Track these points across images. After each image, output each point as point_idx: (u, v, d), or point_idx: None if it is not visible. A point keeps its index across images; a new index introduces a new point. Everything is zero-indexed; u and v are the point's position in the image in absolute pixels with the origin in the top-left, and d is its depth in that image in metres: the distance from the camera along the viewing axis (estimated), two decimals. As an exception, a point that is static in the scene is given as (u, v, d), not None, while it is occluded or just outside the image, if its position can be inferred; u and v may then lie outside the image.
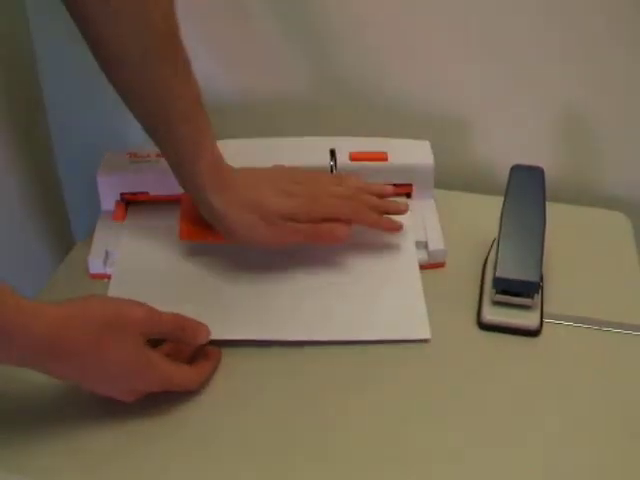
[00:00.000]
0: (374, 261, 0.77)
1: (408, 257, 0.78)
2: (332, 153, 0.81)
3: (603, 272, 0.82)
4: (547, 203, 0.88)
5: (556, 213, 0.89)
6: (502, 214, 0.76)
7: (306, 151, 0.82)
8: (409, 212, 0.79)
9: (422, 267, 0.78)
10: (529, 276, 0.72)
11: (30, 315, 0.54)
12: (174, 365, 0.63)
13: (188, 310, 0.65)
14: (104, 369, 0.59)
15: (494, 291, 0.73)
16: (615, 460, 0.62)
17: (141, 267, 0.76)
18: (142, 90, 0.67)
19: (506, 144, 0.93)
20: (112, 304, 0.60)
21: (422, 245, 0.79)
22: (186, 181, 0.72)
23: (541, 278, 0.73)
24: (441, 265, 0.80)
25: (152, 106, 0.68)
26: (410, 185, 0.83)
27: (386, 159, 0.82)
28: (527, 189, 0.77)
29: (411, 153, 0.83)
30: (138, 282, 0.74)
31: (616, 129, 0.92)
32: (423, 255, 0.79)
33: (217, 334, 0.66)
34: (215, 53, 0.94)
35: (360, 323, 0.72)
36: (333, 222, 0.73)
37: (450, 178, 0.87)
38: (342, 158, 0.81)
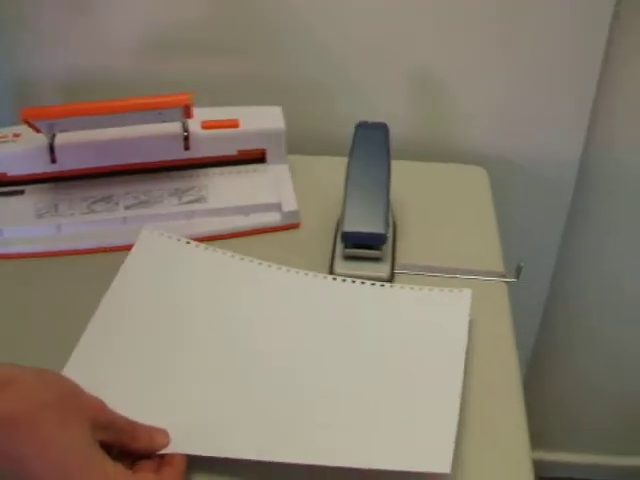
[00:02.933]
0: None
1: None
2: (183, 123, 0.81)
3: (459, 223, 0.85)
4: (405, 161, 0.91)
5: (414, 170, 0.92)
6: (347, 171, 0.77)
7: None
8: (264, 176, 0.80)
9: (276, 228, 0.80)
10: (375, 228, 0.74)
11: None
12: (129, 472, 0.53)
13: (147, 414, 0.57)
14: (36, 454, 0.49)
15: (343, 245, 0.75)
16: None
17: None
18: None
19: (358, 105, 0.95)
20: (68, 383, 0.53)
21: (276, 207, 0.80)
22: None
23: (388, 230, 0.75)
24: (296, 226, 0.81)
25: None
26: (263, 150, 0.84)
27: (237, 126, 0.83)
28: (372, 145, 0.79)
29: (262, 119, 0.84)
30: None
31: (467, 85, 0.94)
32: (276, 217, 0.80)
33: (180, 447, 0.57)
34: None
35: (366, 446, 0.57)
36: None
37: (305, 143, 0.88)
38: (194, 127, 0.82)
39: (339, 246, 0.76)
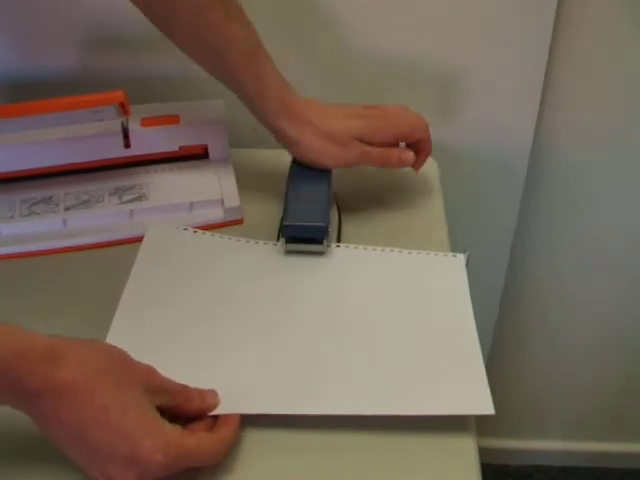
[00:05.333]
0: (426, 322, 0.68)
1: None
2: (122, 121, 0.80)
3: (407, 216, 0.84)
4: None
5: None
6: (290, 165, 0.76)
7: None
8: (206, 172, 0.81)
9: (219, 225, 0.79)
10: (316, 220, 0.73)
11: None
12: (187, 432, 0.55)
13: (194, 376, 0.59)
14: (96, 421, 0.51)
15: (284, 240, 0.74)
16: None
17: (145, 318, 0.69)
18: (196, 38, 0.72)
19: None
20: (118, 350, 0.55)
21: (218, 203, 0.79)
22: (258, 116, 0.75)
23: (329, 222, 0.74)
24: (239, 222, 0.80)
25: (208, 54, 0.73)
26: (205, 145, 0.83)
27: (178, 121, 0.81)
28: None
29: (204, 113, 0.83)
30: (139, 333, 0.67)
31: (412, 69, 0.93)
32: (219, 213, 0.79)
33: (230, 407, 0.59)
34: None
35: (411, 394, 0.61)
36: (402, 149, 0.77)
37: (249, 136, 0.87)
38: (133, 125, 0.80)
39: (282, 241, 0.75)
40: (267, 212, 0.81)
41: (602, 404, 1.34)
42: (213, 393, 0.59)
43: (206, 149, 0.83)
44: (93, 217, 0.79)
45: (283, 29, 0.88)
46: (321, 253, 0.74)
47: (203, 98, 0.85)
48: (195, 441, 0.54)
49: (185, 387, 0.58)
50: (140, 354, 0.56)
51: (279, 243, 0.75)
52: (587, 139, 1.00)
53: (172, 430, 0.53)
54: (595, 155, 1.01)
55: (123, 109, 0.75)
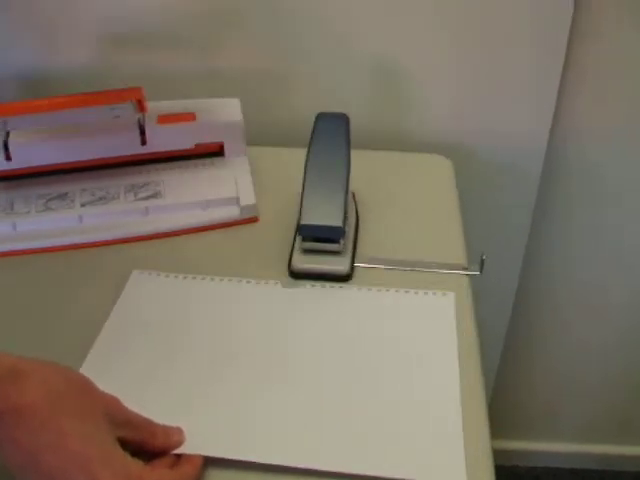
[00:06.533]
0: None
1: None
2: (139, 118, 0.80)
3: (422, 215, 0.84)
4: (367, 151, 0.90)
5: (377, 160, 0.91)
6: (306, 163, 0.76)
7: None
8: (222, 170, 0.79)
9: (235, 223, 0.79)
10: (332, 221, 0.73)
11: None
12: (148, 467, 0.52)
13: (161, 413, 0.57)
14: (52, 447, 0.47)
15: (301, 239, 0.73)
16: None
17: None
18: None
19: (318, 96, 0.93)
20: (82, 376, 0.52)
21: (233, 201, 0.79)
22: None
23: (346, 222, 0.73)
24: (254, 220, 0.80)
25: None
26: (221, 143, 0.83)
27: (194, 119, 0.81)
28: (331, 136, 0.78)
29: (220, 111, 0.83)
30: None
31: (427, 72, 0.93)
32: (235, 211, 0.79)
33: (194, 447, 0.56)
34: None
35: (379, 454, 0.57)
36: None
37: (264, 134, 0.87)
38: (150, 122, 0.80)
39: (298, 240, 0.75)
40: (282, 210, 0.81)
41: (612, 407, 1.34)
42: (179, 431, 0.57)
43: (222, 147, 0.83)
44: (108, 214, 0.79)
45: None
46: (337, 253, 0.74)
47: (219, 96, 0.85)
48: (157, 477, 0.52)
49: (150, 422, 0.55)
50: (109, 386, 0.54)
51: (277, 282, 0.73)
52: (602, 139, 0.99)
53: (134, 463, 0.51)
54: (610, 155, 1.01)
55: (140, 106, 0.75)
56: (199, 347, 0.66)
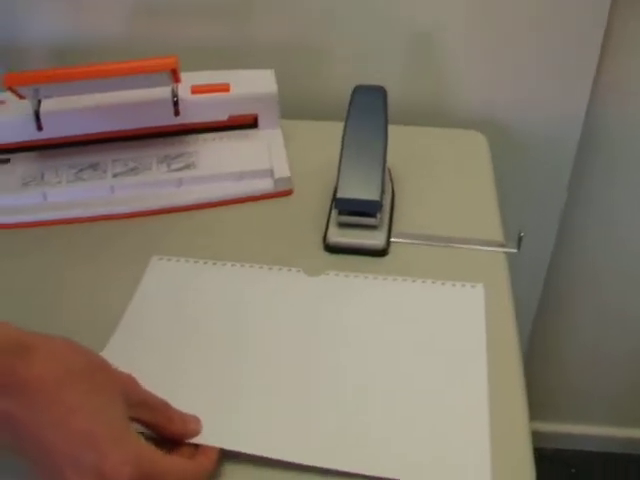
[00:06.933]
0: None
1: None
2: (172, 88, 0.78)
3: (458, 191, 0.82)
4: (404, 126, 0.88)
5: (413, 135, 0.90)
6: (343, 136, 0.75)
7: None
8: (256, 142, 0.78)
9: (269, 195, 0.78)
10: (369, 195, 0.71)
11: None
12: (161, 452, 0.49)
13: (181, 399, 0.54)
14: (56, 423, 0.45)
15: (337, 212, 0.72)
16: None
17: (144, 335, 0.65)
18: None
19: (355, 68, 0.92)
20: (96, 355, 0.50)
21: (267, 173, 0.78)
22: None
23: (383, 197, 0.72)
24: (289, 193, 0.79)
25: None
26: (255, 115, 0.81)
27: (228, 90, 0.80)
28: (369, 109, 0.76)
29: (254, 83, 0.82)
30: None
31: (466, 47, 0.91)
32: (269, 183, 0.78)
33: (212, 439, 0.54)
34: None
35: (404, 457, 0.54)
36: None
37: (299, 107, 0.86)
38: (183, 92, 0.79)
39: (334, 213, 0.74)
40: (317, 184, 0.80)
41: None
42: (196, 419, 0.54)
43: (256, 119, 0.82)
44: (141, 184, 0.78)
45: None
46: (373, 227, 0.73)
47: (254, 67, 0.83)
48: (169, 462, 0.49)
49: (167, 405, 0.53)
50: (129, 367, 0.52)
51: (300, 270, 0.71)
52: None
53: (146, 445, 0.48)
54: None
55: (174, 76, 0.74)
56: (218, 339, 0.64)
